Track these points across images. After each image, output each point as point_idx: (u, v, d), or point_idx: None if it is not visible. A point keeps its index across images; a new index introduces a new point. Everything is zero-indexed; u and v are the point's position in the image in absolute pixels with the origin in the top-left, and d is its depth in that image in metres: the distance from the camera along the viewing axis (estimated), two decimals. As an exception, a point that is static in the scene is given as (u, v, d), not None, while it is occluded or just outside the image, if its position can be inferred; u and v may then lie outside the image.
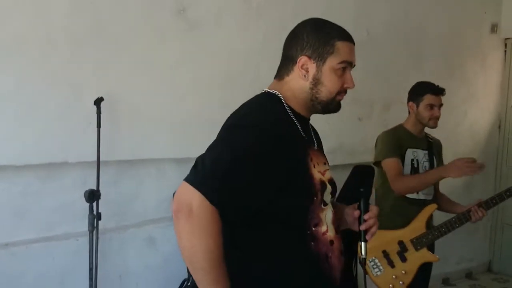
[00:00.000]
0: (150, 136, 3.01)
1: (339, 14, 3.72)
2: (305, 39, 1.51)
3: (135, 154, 2.99)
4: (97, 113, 2.73)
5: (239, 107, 1.51)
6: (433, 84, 2.95)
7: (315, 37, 1.50)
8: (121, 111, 2.93)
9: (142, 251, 3.07)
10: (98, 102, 2.74)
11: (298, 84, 1.52)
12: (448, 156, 3.27)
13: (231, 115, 1.49)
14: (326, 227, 1.51)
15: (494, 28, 4.85)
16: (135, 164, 3.02)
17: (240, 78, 3.22)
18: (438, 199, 3.06)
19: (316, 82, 1.50)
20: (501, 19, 4.84)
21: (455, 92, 4.60)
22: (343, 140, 3.86)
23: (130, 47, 2.92)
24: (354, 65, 1.56)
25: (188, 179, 1.31)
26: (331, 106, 1.56)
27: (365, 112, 4.01)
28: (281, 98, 1.51)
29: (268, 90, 1.55)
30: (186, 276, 3.05)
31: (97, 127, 2.73)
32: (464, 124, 4.77)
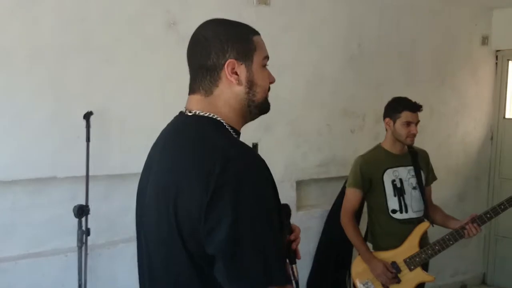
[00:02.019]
0: (140, 150, 2.93)
1: (331, 28, 3.77)
2: (224, 40, 1.32)
3: (125, 168, 2.95)
4: (86, 127, 2.70)
5: (192, 143, 1.30)
6: (410, 101, 2.90)
7: (234, 36, 1.34)
8: (111, 124, 2.90)
9: (132, 267, 3.00)
10: (87, 116, 2.71)
11: (232, 92, 1.34)
12: (440, 169, 3.25)
13: (200, 162, 1.23)
14: None
15: (485, 40, 4.87)
16: (125, 178, 2.98)
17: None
18: (432, 212, 3.03)
19: (250, 84, 1.34)
20: (491, 32, 4.87)
21: (447, 103, 4.61)
22: (336, 152, 3.84)
23: (120, 60, 2.90)
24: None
25: (246, 285, 1.16)
26: (265, 105, 1.41)
27: (357, 124, 4.00)
28: (223, 122, 1.33)
29: (201, 113, 1.34)
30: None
31: (86, 141, 2.70)
32: (456, 135, 4.77)
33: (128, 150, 2.94)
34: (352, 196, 2.92)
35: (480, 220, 2.78)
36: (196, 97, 1.38)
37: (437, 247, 2.79)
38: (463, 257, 4.84)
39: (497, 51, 4.96)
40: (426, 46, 4.38)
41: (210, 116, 1.33)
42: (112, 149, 2.91)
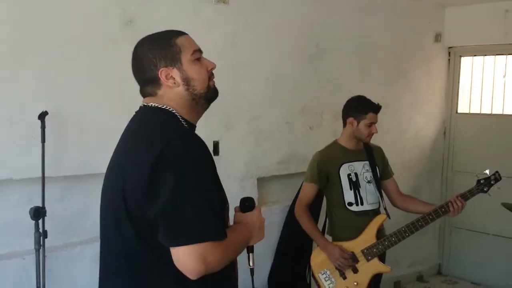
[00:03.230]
0: (97, 150, 2.91)
1: (290, 27, 3.81)
2: (151, 55, 1.53)
3: (82, 169, 2.90)
4: (41, 127, 2.64)
5: (146, 131, 1.51)
6: (373, 102, 2.99)
7: (158, 47, 1.54)
8: (67, 125, 2.85)
9: (91, 269, 2.96)
10: (42, 116, 2.65)
11: (173, 93, 1.55)
12: (394, 164, 3.35)
13: (148, 145, 1.45)
14: None
15: (438, 37, 5.02)
16: (82, 179, 2.94)
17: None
18: (404, 202, 3.12)
19: (187, 81, 1.54)
20: (444, 29, 5.03)
21: (401, 99, 4.74)
22: (296, 149, 3.90)
23: (76, 58, 2.84)
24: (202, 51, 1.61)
25: (185, 240, 1.36)
26: (210, 94, 1.59)
27: (316, 121, 4.07)
28: (175, 113, 1.54)
29: (157, 105, 1.55)
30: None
31: (41, 142, 2.64)
32: (410, 131, 4.90)
33: (85, 150, 2.89)
34: (308, 190, 3.00)
35: (462, 196, 2.86)
36: (147, 98, 1.60)
37: (393, 239, 2.88)
38: (420, 248, 4.99)
39: (450, 47, 5.13)
40: (381, 43, 4.49)
41: (164, 107, 1.54)
42: (68, 150, 2.85)
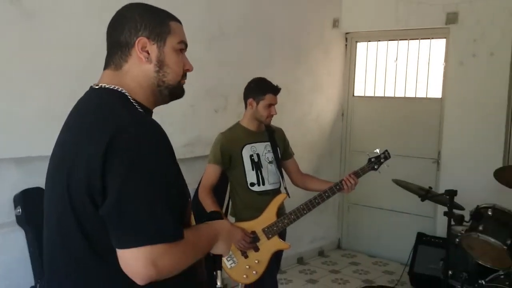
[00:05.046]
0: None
1: (190, 10, 3.77)
2: (138, 20, 1.39)
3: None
4: None
5: (92, 114, 1.33)
6: (272, 83, 3.05)
7: (150, 17, 1.40)
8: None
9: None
10: None
11: (141, 69, 1.39)
12: (297, 146, 3.47)
13: (94, 131, 1.27)
14: None
15: (335, 23, 5.23)
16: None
17: (88, 70, 3.04)
18: (304, 181, 3.23)
19: (160, 64, 1.40)
20: (341, 15, 5.25)
21: (302, 83, 4.90)
22: (201, 132, 3.91)
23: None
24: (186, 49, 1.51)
25: (133, 242, 1.20)
26: (178, 91, 1.48)
27: (221, 104, 4.10)
28: (127, 94, 1.38)
29: (106, 85, 1.38)
30: (33, 283, 2.87)
31: None
32: (311, 113, 5.10)
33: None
34: (211, 171, 3.03)
35: (355, 174, 3.01)
36: (107, 72, 1.43)
37: (292, 216, 2.98)
38: (320, 224, 5.24)
39: (347, 33, 5.37)
40: (282, 29, 4.60)
41: (115, 88, 1.38)
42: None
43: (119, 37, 1.39)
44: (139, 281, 1.22)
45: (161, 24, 1.41)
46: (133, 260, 1.20)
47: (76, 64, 3.06)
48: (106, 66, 1.44)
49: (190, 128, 3.86)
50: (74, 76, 3.01)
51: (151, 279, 1.22)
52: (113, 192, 1.21)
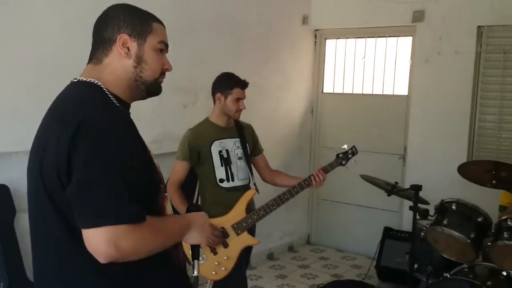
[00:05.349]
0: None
1: (159, 3, 3.72)
2: (122, 18, 1.49)
3: None
4: None
5: (65, 104, 1.42)
6: (239, 78, 3.05)
7: (133, 16, 1.50)
8: None
9: None
10: None
11: (120, 64, 1.49)
12: (266, 142, 3.48)
13: (65, 119, 1.36)
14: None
15: (305, 20, 5.27)
16: None
17: (51, 62, 3.00)
18: (273, 177, 3.23)
19: (139, 60, 1.49)
20: (311, 12, 5.28)
21: (271, 80, 4.91)
22: (170, 128, 3.89)
23: None
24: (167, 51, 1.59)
25: (94, 222, 1.27)
26: (155, 87, 1.56)
27: (190, 100, 4.08)
28: (102, 86, 1.46)
29: (84, 79, 1.48)
30: None
31: None
32: (280, 110, 5.12)
33: None
34: (180, 168, 3.01)
35: (323, 170, 3.03)
36: (88, 66, 1.52)
37: (261, 212, 2.98)
38: (290, 220, 5.28)
39: (316, 30, 5.41)
40: (251, 25, 4.60)
41: (91, 81, 1.47)
42: None
43: (102, 34, 1.50)
44: (101, 259, 1.29)
45: (143, 23, 1.50)
46: (94, 239, 1.28)
47: (34, 58, 2.98)
48: (88, 61, 1.53)
49: (158, 124, 3.84)
50: (31, 70, 2.93)
51: (112, 258, 1.29)
52: (76, 174, 1.29)
